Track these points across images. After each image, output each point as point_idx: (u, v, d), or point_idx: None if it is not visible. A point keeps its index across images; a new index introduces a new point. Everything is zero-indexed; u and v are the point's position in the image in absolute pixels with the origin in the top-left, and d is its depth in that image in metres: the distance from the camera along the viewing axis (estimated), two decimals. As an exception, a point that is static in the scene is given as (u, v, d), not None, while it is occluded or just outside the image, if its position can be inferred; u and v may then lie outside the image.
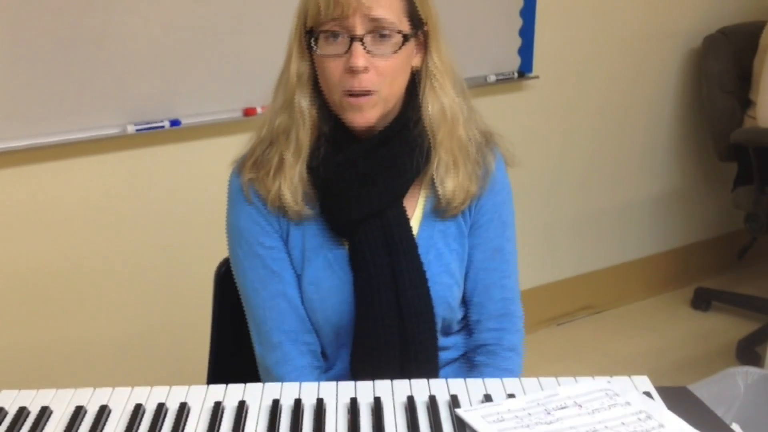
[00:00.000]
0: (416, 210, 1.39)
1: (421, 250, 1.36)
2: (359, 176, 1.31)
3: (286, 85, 1.33)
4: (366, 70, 1.24)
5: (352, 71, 1.24)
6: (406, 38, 1.27)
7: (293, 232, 1.37)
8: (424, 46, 1.34)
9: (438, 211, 1.38)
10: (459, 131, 1.35)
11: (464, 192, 1.35)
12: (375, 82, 1.26)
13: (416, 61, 1.34)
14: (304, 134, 1.32)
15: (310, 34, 1.28)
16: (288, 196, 1.32)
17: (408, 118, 1.33)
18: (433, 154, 1.34)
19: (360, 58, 1.23)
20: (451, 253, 1.39)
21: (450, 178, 1.34)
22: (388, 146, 1.32)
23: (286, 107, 1.33)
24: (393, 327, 1.34)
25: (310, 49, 1.29)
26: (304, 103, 1.31)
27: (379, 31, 1.25)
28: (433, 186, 1.36)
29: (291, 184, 1.32)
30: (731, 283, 3.48)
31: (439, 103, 1.33)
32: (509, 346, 1.43)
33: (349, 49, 1.24)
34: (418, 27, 1.30)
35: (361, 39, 1.24)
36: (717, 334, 3.16)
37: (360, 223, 1.33)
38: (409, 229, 1.36)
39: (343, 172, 1.31)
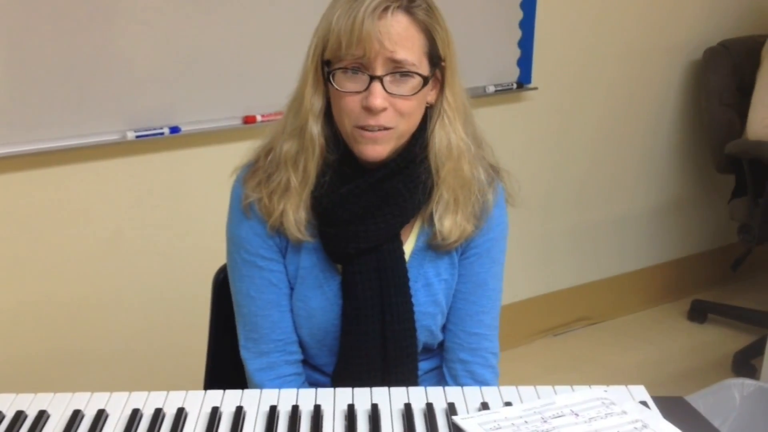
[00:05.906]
0: (410, 238, 1.39)
1: (410, 277, 1.37)
2: (359, 211, 1.31)
3: (298, 111, 1.32)
4: (384, 109, 1.24)
5: (369, 110, 1.23)
6: (425, 80, 1.26)
7: (291, 250, 1.37)
8: (440, 82, 1.32)
9: (432, 244, 1.37)
10: (463, 168, 1.34)
11: (460, 231, 1.35)
12: (392, 120, 1.25)
13: (431, 97, 1.32)
14: (312, 163, 1.31)
15: (327, 65, 1.26)
16: (291, 223, 1.32)
17: (415, 154, 1.32)
18: (435, 190, 1.34)
19: (379, 98, 1.22)
20: (440, 282, 1.40)
21: (449, 217, 1.34)
22: (392, 181, 1.31)
23: (297, 134, 1.32)
24: (376, 354, 1.37)
25: (326, 79, 1.27)
26: (315, 131, 1.30)
27: (399, 72, 1.23)
28: (431, 219, 1.35)
29: (295, 211, 1.32)
30: (728, 295, 3.48)
31: (447, 140, 1.32)
32: (482, 381, 1.42)
33: (368, 88, 1.23)
34: (437, 65, 1.29)
35: (380, 79, 1.23)
36: (713, 347, 3.16)
37: (355, 257, 1.34)
38: (404, 264, 1.36)
39: (345, 205, 1.31)
